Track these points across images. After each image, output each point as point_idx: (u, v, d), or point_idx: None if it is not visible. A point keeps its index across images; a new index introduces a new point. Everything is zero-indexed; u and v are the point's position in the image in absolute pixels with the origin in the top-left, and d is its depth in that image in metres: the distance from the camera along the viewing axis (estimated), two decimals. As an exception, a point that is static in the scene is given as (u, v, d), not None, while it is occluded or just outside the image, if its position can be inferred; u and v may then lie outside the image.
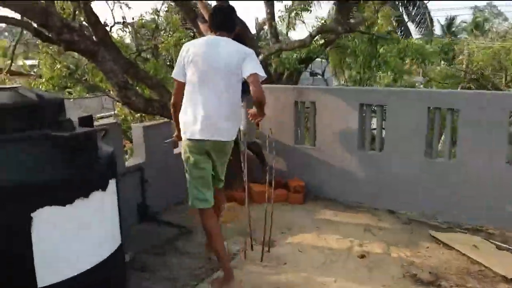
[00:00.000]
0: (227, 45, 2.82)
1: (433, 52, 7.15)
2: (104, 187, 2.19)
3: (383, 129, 4.41)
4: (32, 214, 1.85)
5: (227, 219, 4.02)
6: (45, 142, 1.98)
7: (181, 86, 2.88)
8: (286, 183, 4.63)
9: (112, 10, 6.91)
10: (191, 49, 2.81)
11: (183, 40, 8.46)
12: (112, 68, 3.39)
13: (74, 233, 2.02)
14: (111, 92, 7.16)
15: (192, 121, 2.78)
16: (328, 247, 3.52)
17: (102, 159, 2.21)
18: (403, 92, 4.34)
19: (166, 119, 4.32)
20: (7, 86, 2.20)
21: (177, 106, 2.92)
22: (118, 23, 7.58)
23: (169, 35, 8.32)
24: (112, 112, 8.78)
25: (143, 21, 8.44)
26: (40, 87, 6.63)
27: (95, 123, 3.51)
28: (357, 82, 7.42)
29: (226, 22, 2.91)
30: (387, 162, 4.25)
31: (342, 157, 4.46)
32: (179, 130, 3.02)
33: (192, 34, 11.26)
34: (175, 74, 2.91)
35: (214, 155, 2.90)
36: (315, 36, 5.09)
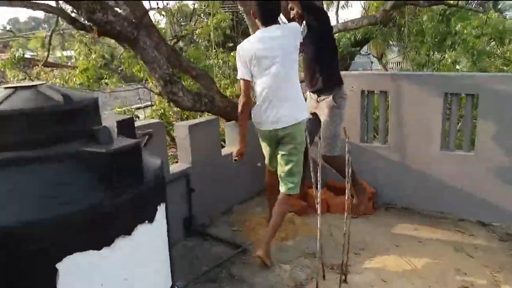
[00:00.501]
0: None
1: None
2: (151, 218, 1.64)
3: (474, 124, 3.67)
4: (57, 265, 1.32)
5: (286, 235, 3.43)
6: (73, 162, 1.44)
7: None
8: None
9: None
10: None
11: (223, 23, 7.87)
12: (156, 58, 2.81)
13: (114, 285, 1.48)
14: (150, 83, 6.66)
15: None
16: (418, 274, 2.86)
17: (148, 179, 1.64)
18: (507, 77, 3.55)
19: (213, 116, 3.74)
20: (27, 83, 1.65)
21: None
22: (153, 9, 7.08)
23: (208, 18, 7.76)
24: (149, 103, 8.31)
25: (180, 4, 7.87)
26: (75, 79, 6.20)
27: (136, 123, 3.00)
28: (425, 66, 6.57)
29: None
30: (479, 164, 3.51)
31: (421, 158, 3.75)
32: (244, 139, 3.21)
33: (232, 16, 10.70)
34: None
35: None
36: (391, 10, 4.36)
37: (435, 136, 3.65)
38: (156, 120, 3.21)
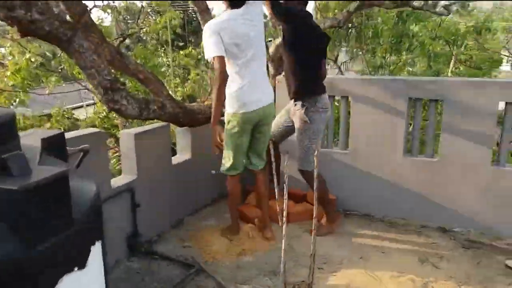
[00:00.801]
0: None
1: (466, 31, 6.25)
2: (82, 263, 1.32)
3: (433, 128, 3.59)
4: None
5: (244, 251, 3.18)
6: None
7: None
8: (305, 196, 3.80)
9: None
10: None
11: (173, 21, 7.49)
12: (94, 62, 2.42)
13: None
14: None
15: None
16: (386, 291, 2.71)
17: (79, 217, 1.32)
18: (470, 83, 3.49)
19: (163, 123, 3.41)
20: None
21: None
22: (96, 6, 6.58)
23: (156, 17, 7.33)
24: (92, 101, 7.71)
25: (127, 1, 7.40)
26: (6, 80, 5.60)
27: (70, 134, 2.62)
28: (381, 68, 6.54)
29: None
30: (442, 170, 3.43)
31: (383, 164, 3.62)
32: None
33: (182, 12, 10.29)
34: None
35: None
36: (354, 12, 4.19)
37: (398, 142, 3.53)
38: (94, 130, 2.82)
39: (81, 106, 9.87)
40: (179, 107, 3.42)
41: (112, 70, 2.73)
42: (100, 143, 2.79)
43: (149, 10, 10.52)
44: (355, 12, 4.13)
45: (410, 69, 6.52)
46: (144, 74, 3.22)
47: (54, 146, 1.60)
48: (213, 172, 4.02)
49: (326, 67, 3.57)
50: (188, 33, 11.60)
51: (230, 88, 2.91)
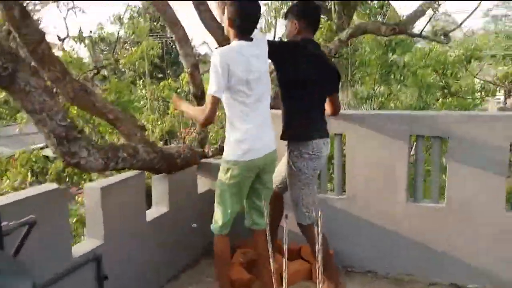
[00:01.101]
0: None
1: (457, 60, 6.06)
2: None
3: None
4: None
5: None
6: None
7: None
8: (299, 251, 3.37)
9: (65, 18, 5.52)
10: None
11: (152, 51, 7.14)
12: (45, 105, 1.97)
13: None
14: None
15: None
16: None
17: None
18: (479, 117, 3.16)
19: (136, 171, 2.96)
20: None
21: None
22: (67, 37, 6.20)
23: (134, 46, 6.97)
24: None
25: (103, 31, 7.03)
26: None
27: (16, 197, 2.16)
28: (368, 100, 6.25)
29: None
30: (451, 217, 3.06)
31: (384, 211, 3.23)
32: None
33: (161, 43, 9.96)
34: None
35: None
36: (346, 41, 3.90)
37: (400, 185, 3.16)
38: (50, 187, 2.34)
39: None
40: (154, 152, 3.00)
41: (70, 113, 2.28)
42: (58, 203, 2.33)
43: (127, 41, 10.19)
44: (347, 41, 3.85)
45: (399, 101, 6.28)
46: (114, 113, 2.80)
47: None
48: (194, 225, 3.58)
49: (339, 103, 3.17)
50: (167, 64, 11.27)
51: (233, 133, 2.50)
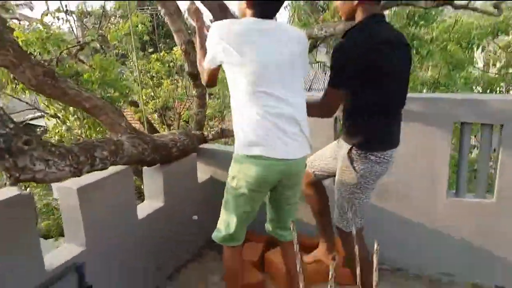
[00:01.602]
0: None
1: (483, 33, 5.44)
2: None
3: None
4: None
5: None
6: None
7: None
8: (317, 246, 2.90)
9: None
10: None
11: (140, 26, 6.51)
12: None
13: None
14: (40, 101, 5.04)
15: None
16: None
17: None
18: None
19: (119, 168, 2.42)
20: None
21: None
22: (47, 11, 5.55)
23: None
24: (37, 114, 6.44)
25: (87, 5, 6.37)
26: None
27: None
28: None
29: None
30: (498, 214, 2.59)
31: (420, 206, 2.75)
32: None
33: (151, 16, 9.25)
34: None
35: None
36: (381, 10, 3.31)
37: (440, 178, 2.66)
38: (12, 193, 1.83)
39: (41, 116, 8.50)
40: (144, 143, 2.47)
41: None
42: (25, 212, 1.83)
43: (115, 15, 9.48)
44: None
45: (422, 78, 5.67)
46: (92, 102, 2.24)
47: None
48: (195, 217, 3.13)
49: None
50: (159, 37, 10.57)
51: (244, 116, 1.89)
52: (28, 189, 5.61)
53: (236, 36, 1.83)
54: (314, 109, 2.07)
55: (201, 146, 3.35)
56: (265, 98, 1.83)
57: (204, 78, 2.08)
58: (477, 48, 5.44)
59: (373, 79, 1.96)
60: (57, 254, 2.17)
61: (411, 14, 5.24)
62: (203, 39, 2.08)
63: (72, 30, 6.67)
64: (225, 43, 1.82)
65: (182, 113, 8.34)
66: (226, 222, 2.10)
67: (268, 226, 2.27)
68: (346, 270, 2.73)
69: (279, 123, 1.84)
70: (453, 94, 3.82)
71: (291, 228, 2.06)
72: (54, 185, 2.15)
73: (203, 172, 3.35)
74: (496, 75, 6.39)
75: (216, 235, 2.16)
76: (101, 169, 2.03)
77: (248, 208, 2.03)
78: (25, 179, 1.57)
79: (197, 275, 2.92)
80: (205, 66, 1.99)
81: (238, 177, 1.94)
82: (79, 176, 1.88)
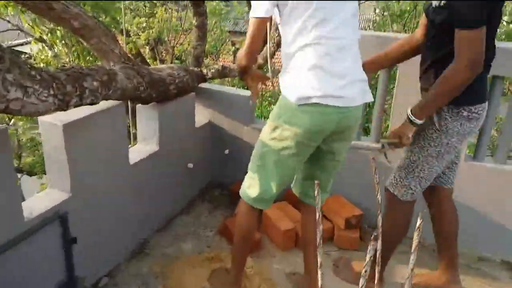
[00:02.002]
0: None
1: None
2: None
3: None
4: None
5: None
6: None
7: None
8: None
9: None
10: None
11: None
12: None
13: None
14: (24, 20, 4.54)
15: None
16: None
17: None
18: None
19: (110, 103, 2.11)
20: None
21: None
22: None
23: None
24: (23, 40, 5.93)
25: None
26: None
27: None
28: (404, 17, 5.15)
29: None
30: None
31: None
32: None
33: None
34: None
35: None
36: None
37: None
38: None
39: (27, 43, 8.06)
40: (140, 75, 2.16)
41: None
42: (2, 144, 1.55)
43: None
44: None
45: None
46: (81, 20, 1.89)
47: None
48: (190, 165, 2.94)
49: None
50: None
51: (299, 58, 1.64)
52: (12, 120, 5.25)
53: None
54: (453, 80, 1.66)
55: (200, 85, 3.05)
56: (324, 41, 1.60)
57: (248, 48, 1.69)
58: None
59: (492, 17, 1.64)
60: (37, 200, 1.92)
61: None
62: None
63: None
64: None
65: (175, 49, 7.84)
66: (263, 183, 1.81)
67: (295, 188, 2.04)
68: (346, 233, 2.59)
69: (338, 65, 1.61)
70: None
71: (316, 191, 1.85)
72: (39, 119, 1.84)
73: (201, 115, 3.09)
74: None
75: (247, 195, 1.88)
76: (91, 103, 1.73)
77: (292, 164, 1.78)
78: (4, 110, 1.27)
79: (188, 229, 2.73)
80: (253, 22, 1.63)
81: (284, 127, 1.68)
82: (64, 110, 1.59)
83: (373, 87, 2.72)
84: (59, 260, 1.96)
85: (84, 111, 1.95)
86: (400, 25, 5.58)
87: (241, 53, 1.72)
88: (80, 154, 1.97)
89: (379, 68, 2.25)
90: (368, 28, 9.17)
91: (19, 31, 5.00)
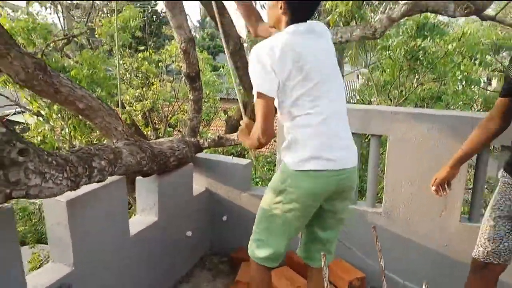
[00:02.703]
0: None
1: (485, 48, 5.37)
2: None
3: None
4: None
5: None
6: None
7: None
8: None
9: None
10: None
11: (132, 21, 6.23)
12: None
13: None
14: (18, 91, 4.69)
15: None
16: None
17: None
18: None
19: (113, 178, 2.17)
20: None
21: None
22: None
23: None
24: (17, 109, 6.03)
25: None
26: None
27: None
28: (388, 87, 5.50)
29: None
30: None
31: (431, 232, 2.60)
32: None
33: (143, 11, 8.93)
34: None
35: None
36: (399, 20, 3.14)
37: (453, 202, 2.52)
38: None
39: (20, 112, 8.14)
40: (142, 151, 2.24)
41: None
42: (4, 227, 1.58)
43: (101, 8, 9.16)
44: (399, 19, 3.08)
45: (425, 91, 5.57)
46: (86, 102, 2.00)
47: None
48: (189, 233, 2.93)
49: None
50: (148, 36, 10.27)
51: (298, 129, 1.76)
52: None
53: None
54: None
55: (198, 154, 3.14)
56: (319, 112, 1.73)
57: (261, 129, 1.70)
58: (480, 64, 5.38)
59: None
60: (41, 274, 1.93)
61: (422, 25, 5.12)
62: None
63: (60, 21, 6.34)
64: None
65: (169, 116, 8.06)
66: (272, 244, 1.89)
67: (300, 251, 2.08)
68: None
69: (332, 132, 1.75)
70: (470, 113, 3.62)
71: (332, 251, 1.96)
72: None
73: (198, 183, 3.15)
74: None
75: (256, 256, 1.93)
76: (98, 181, 1.79)
77: (297, 224, 1.86)
78: (17, 196, 1.32)
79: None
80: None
81: (289, 190, 1.77)
82: (75, 190, 1.64)
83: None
84: None
85: (86, 186, 2.00)
86: (384, 95, 5.92)
87: (256, 134, 1.70)
88: (83, 228, 1.99)
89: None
90: (354, 97, 9.55)
91: (16, 106, 5.15)
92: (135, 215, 2.68)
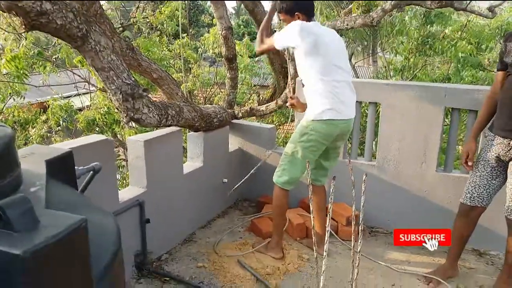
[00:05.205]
0: None
1: (492, 34, 5.89)
2: None
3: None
4: None
5: (269, 274, 2.85)
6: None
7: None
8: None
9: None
10: None
11: (179, 10, 7.07)
12: (113, 63, 2.02)
13: None
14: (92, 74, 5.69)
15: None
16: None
17: (98, 270, 0.99)
18: None
19: (173, 128, 3.04)
20: None
21: None
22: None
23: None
24: (86, 90, 7.11)
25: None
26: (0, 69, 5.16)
27: (73, 144, 2.26)
28: (403, 71, 6.18)
29: None
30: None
31: (413, 179, 3.32)
32: None
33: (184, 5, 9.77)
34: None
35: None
36: (390, 11, 3.85)
37: (431, 155, 3.22)
38: (101, 137, 2.45)
39: (77, 95, 9.30)
40: (195, 111, 3.08)
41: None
42: (107, 153, 2.44)
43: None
44: (391, 11, 3.79)
45: (434, 73, 6.16)
46: (158, 73, 2.86)
47: (62, 169, 1.31)
48: (225, 180, 3.73)
49: None
50: (190, 25, 11.15)
51: (317, 85, 2.58)
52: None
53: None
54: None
55: (233, 121, 3.95)
56: (334, 75, 2.59)
57: (263, 48, 2.79)
58: (485, 50, 5.91)
59: None
60: (126, 192, 2.81)
61: (428, 13, 5.76)
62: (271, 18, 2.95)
63: (116, 11, 7.28)
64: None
65: (206, 98, 8.90)
66: (293, 169, 2.75)
67: (311, 174, 2.91)
68: (347, 228, 3.32)
69: (342, 92, 2.59)
70: (444, 84, 4.33)
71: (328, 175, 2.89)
72: (128, 138, 2.78)
73: (233, 143, 3.97)
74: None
75: (279, 180, 2.81)
76: (169, 125, 2.65)
77: (311, 157, 2.71)
78: (136, 118, 2.20)
79: (224, 227, 3.54)
80: (274, 43, 2.64)
81: (310, 133, 2.62)
82: (158, 126, 2.51)
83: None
84: (137, 235, 2.79)
85: (156, 132, 2.86)
86: (398, 76, 6.55)
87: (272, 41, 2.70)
88: (153, 162, 2.86)
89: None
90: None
91: (86, 83, 6.14)
92: (186, 161, 3.55)
